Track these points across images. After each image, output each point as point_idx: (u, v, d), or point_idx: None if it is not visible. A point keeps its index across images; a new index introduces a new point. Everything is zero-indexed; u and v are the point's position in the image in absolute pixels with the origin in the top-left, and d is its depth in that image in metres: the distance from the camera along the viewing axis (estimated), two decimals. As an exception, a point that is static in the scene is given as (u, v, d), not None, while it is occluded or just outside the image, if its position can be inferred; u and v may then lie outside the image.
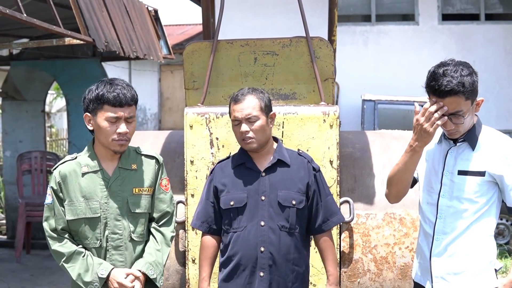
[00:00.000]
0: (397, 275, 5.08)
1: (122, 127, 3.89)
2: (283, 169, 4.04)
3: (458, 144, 3.82)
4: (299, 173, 4.05)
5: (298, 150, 4.25)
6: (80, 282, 3.88)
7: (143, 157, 4.13)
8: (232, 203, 3.97)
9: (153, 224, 4.12)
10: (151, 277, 3.94)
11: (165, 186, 4.18)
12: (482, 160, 3.74)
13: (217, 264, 4.19)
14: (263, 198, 3.95)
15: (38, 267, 10.04)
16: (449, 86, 3.57)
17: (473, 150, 3.77)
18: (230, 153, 4.35)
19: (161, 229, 4.11)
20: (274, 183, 3.98)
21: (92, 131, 4.02)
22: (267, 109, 4.03)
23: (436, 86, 3.62)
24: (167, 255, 4.10)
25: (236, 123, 3.99)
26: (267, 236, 3.91)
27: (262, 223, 3.92)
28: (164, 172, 4.23)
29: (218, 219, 4.09)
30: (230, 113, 4.07)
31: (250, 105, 3.97)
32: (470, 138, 3.78)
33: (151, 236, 4.10)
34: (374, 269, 5.10)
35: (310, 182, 4.06)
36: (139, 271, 3.92)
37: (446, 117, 3.66)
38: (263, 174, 4.00)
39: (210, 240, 4.12)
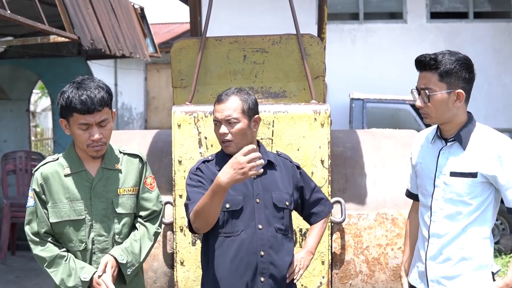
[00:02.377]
0: (389, 276, 5.02)
1: (95, 134, 3.76)
2: (271, 171, 3.93)
3: (449, 143, 3.75)
4: (285, 174, 3.98)
5: (277, 151, 4.16)
6: (63, 286, 3.78)
7: (126, 156, 4.03)
8: (228, 205, 3.78)
9: (139, 219, 4.02)
10: (120, 261, 3.81)
11: (150, 184, 4.08)
12: (473, 160, 3.65)
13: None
14: (258, 200, 3.82)
15: (24, 268, 9.93)
16: (423, 58, 3.66)
17: (464, 149, 3.69)
18: (205, 156, 4.23)
19: (146, 223, 4.02)
20: (266, 185, 3.86)
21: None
22: (250, 112, 3.87)
23: (416, 57, 3.73)
24: (146, 250, 3.97)
25: (216, 123, 3.86)
26: (266, 239, 3.79)
27: (260, 226, 3.79)
28: (149, 170, 4.12)
29: None
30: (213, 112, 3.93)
31: (231, 106, 3.81)
32: (460, 137, 3.70)
33: (134, 228, 4.01)
34: (366, 270, 5.03)
35: (297, 182, 4.01)
36: (110, 255, 3.83)
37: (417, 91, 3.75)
38: (255, 176, 3.85)
39: None
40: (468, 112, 3.77)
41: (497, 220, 10.59)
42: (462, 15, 15.47)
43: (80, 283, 3.76)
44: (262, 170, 3.48)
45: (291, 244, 3.95)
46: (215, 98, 5.24)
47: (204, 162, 3.97)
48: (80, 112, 3.70)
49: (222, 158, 3.90)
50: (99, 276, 3.76)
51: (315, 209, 4.09)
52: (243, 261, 3.75)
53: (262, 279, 3.76)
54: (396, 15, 15.71)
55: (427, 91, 3.64)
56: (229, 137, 3.81)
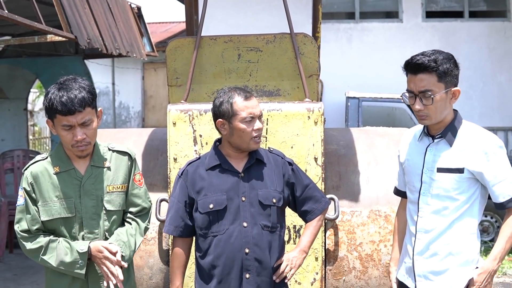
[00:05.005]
0: (382, 272, 5.06)
1: (78, 135, 3.78)
2: (260, 168, 3.95)
3: (436, 140, 3.80)
4: (275, 171, 3.98)
5: (269, 148, 4.15)
6: (63, 266, 3.79)
7: (115, 153, 4.05)
8: (211, 206, 3.83)
9: (129, 214, 4.05)
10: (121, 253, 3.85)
11: (139, 181, 4.11)
12: (460, 156, 3.71)
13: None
14: (243, 199, 3.84)
15: (21, 266, 9.96)
16: (421, 60, 3.65)
17: (451, 146, 3.74)
18: (200, 154, 4.24)
19: (137, 219, 4.05)
20: (253, 182, 3.89)
21: None
22: None
23: (409, 60, 3.72)
24: (139, 244, 4.01)
25: (250, 119, 3.81)
26: (251, 237, 3.81)
27: (245, 224, 3.82)
28: (137, 167, 4.15)
29: (191, 221, 3.96)
30: (234, 111, 3.83)
31: (258, 103, 3.89)
32: (448, 133, 3.75)
33: (125, 223, 4.04)
34: (360, 266, 5.07)
35: (288, 178, 4.00)
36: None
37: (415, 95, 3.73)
38: (242, 174, 3.89)
39: (182, 245, 3.99)
40: (454, 109, 3.83)
41: (491, 218, 10.63)
42: (458, 14, 15.48)
43: (78, 256, 3.77)
44: None
45: (280, 241, 3.95)
46: (210, 96, 5.32)
47: (190, 163, 4.01)
48: (62, 113, 3.72)
49: (216, 156, 3.94)
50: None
51: (308, 207, 4.06)
52: (229, 259, 3.79)
53: (248, 275, 3.79)
54: (391, 14, 15.71)
55: (429, 93, 3.66)
56: (262, 132, 3.88)
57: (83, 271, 3.80)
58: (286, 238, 4.82)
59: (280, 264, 3.91)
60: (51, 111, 3.77)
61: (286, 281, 3.95)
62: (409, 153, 3.96)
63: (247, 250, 3.80)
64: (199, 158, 4.03)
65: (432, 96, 3.66)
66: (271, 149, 4.12)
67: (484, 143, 3.68)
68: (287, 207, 4.09)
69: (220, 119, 3.89)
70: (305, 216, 4.10)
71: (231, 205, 3.84)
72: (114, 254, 3.78)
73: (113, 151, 4.06)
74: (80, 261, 3.78)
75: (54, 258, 3.80)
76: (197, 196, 3.89)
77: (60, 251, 3.79)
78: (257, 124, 3.84)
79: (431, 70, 3.64)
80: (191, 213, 3.94)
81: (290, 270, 3.91)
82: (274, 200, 3.89)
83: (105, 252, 3.77)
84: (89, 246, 3.80)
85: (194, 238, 4.03)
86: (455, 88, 3.70)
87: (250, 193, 3.86)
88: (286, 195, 4.00)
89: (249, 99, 3.84)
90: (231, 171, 3.90)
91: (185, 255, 4.00)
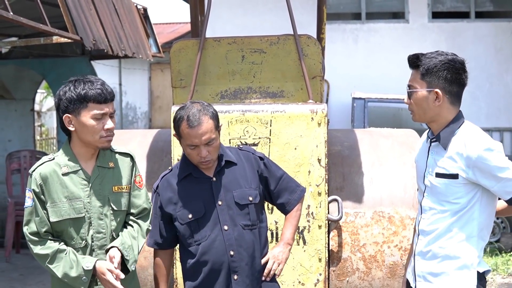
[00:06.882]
0: (386, 273, 5.07)
1: (110, 123, 3.86)
2: (231, 169, 3.97)
3: (433, 143, 3.79)
4: (247, 168, 4.01)
5: (238, 145, 4.21)
6: (67, 279, 3.82)
7: (118, 155, 4.09)
8: (190, 216, 3.88)
9: (130, 217, 4.08)
10: (125, 257, 3.88)
11: (139, 182, 4.14)
12: (453, 162, 3.65)
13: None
14: (220, 203, 3.88)
15: (28, 266, 10.01)
16: (410, 56, 3.77)
17: (446, 150, 3.69)
18: (171, 165, 4.27)
19: (138, 221, 4.08)
20: (227, 185, 3.92)
21: (66, 133, 3.96)
22: (218, 125, 3.90)
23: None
24: (141, 246, 4.04)
25: (193, 147, 3.83)
26: (234, 239, 3.85)
27: (226, 227, 3.85)
28: (137, 169, 4.19)
29: (169, 233, 4.00)
30: (180, 134, 3.87)
31: (207, 128, 3.80)
32: (441, 137, 3.72)
33: (127, 225, 4.07)
34: (363, 267, 5.09)
35: (261, 172, 4.03)
36: (117, 247, 3.88)
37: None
38: (214, 179, 3.92)
39: (163, 256, 4.06)
40: (459, 111, 3.80)
41: (497, 218, 10.60)
42: (464, 15, 15.45)
43: (83, 272, 3.80)
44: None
45: (262, 237, 4.00)
46: (214, 98, 5.34)
47: (163, 176, 4.07)
48: (97, 101, 3.80)
49: (186, 166, 3.98)
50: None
51: (284, 199, 4.09)
52: (216, 263, 3.84)
53: (236, 277, 3.83)
54: (398, 15, 15.70)
55: (409, 88, 3.74)
56: (209, 157, 3.84)
57: None
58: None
59: (267, 262, 3.95)
60: (81, 101, 3.81)
61: (276, 277, 4.00)
62: (418, 154, 3.97)
63: (232, 253, 3.85)
64: (171, 170, 4.09)
65: (409, 91, 3.75)
66: (241, 147, 4.15)
67: (470, 150, 3.59)
68: (266, 203, 4.16)
69: (175, 133, 3.97)
70: (283, 209, 4.14)
71: (209, 211, 3.89)
72: (117, 276, 3.81)
73: (115, 152, 4.09)
74: (84, 277, 3.81)
75: (59, 268, 3.83)
76: (175, 208, 3.94)
77: (66, 263, 3.82)
78: (202, 152, 3.82)
79: (416, 67, 3.72)
80: (168, 226, 4.00)
81: (278, 266, 3.96)
82: (251, 198, 3.93)
83: (107, 275, 3.79)
84: (94, 265, 3.83)
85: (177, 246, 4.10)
86: (436, 90, 3.66)
87: (225, 196, 3.90)
88: (261, 190, 4.04)
89: (194, 128, 3.80)
90: (203, 178, 3.94)
91: (166, 265, 4.08)
